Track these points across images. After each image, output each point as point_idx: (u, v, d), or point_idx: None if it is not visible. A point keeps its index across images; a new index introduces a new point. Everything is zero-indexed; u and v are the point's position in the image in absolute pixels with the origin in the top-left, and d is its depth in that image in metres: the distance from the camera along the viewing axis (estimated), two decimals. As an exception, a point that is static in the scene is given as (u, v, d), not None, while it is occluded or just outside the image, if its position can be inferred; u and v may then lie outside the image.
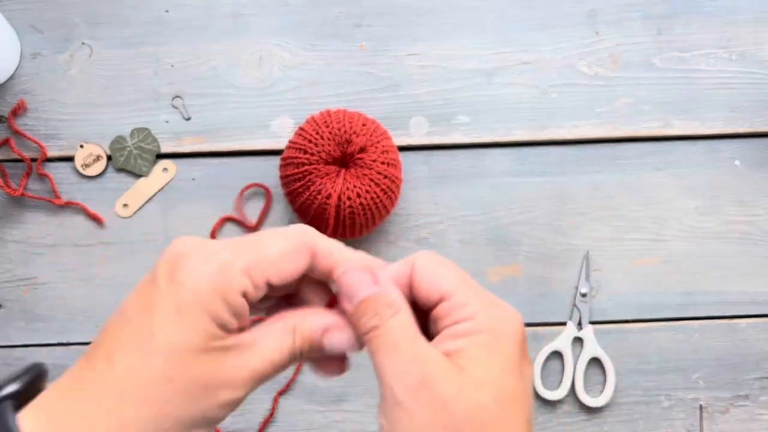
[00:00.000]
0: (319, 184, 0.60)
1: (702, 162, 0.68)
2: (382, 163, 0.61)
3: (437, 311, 0.32)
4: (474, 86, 0.68)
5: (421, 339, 0.31)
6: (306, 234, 0.33)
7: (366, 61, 0.69)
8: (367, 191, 0.60)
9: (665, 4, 0.70)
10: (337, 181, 0.60)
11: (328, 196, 0.60)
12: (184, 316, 0.29)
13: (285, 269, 0.32)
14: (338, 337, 0.33)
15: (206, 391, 0.30)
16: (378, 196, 0.61)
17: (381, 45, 0.69)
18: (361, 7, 0.69)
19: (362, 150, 0.61)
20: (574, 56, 0.69)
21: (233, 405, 0.31)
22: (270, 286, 0.32)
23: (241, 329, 0.31)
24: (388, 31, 0.69)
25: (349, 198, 0.60)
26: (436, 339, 0.32)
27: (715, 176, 0.68)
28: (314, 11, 0.69)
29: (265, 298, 0.33)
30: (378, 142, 0.61)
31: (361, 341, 0.33)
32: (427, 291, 0.32)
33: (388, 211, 0.64)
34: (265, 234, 0.32)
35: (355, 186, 0.60)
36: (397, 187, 0.63)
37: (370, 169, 0.61)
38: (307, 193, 0.60)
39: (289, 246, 0.32)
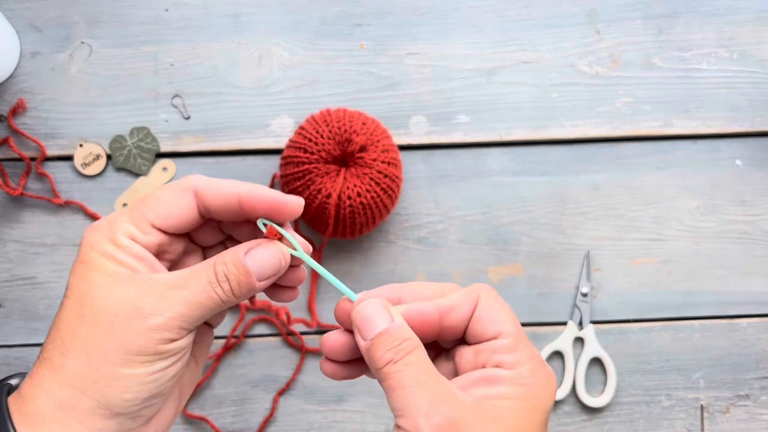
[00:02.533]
0: (319, 183, 0.60)
1: (702, 161, 0.68)
2: (383, 162, 0.61)
3: (484, 346, 0.33)
4: (474, 86, 0.68)
5: (443, 377, 0.31)
6: (186, 180, 0.35)
7: (366, 61, 0.69)
8: (367, 190, 0.60)
9: (665, 3, 0.70)
10: (337, 180, 0.60)
11: (328, 196, 0.60)
12: (87, 264, 0.32)
13: (166, 212, 0.33)
14: (260, 253, 0.34)
15: (116, 320, 0.31)
16: (378, 196, 0.61)
17: (381, 44, 0.69)
18: (361, 6, 0.69)
19: (362, 149, 0.61)
20: (574, 55, 0.69)
21: (170, 339, 0.32)
22: (164, 231, 0.34)
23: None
24: (388, 31, 0.69)
25: (349, 197, 0.60)
26: (472, 375, 0.32)
27: (715, 176, 0.68)
28: (314, 10, 0.69)
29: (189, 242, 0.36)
30: (378, 141, 0.61)
31: (295, 279, 0.36)
32: (485, 326, 0.33)
33: (388, 211, 0.64)
34: (155, 190, 0.35)
35: (355, 185, 0.60)
36: (398, 186, 0.63)
37: (371, 168, 0.60)
38: (307, 192, 0.60)
39: (169, 191, 0.34)
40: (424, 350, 0.32)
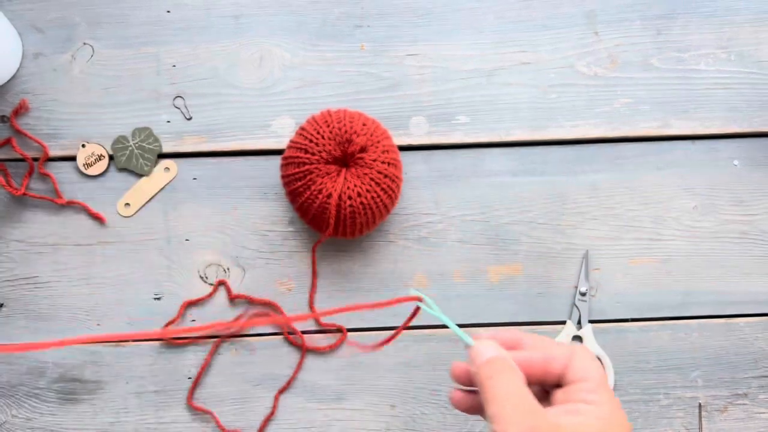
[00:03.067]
0: (320, 184, 0.60)
1: (701, 162, 0.69)
2: (383, 162, 0.61)
3: (573, 387, 0.39)
4: (474, 86, 0.69)
5: (533, 399, 0.37)
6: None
7: (366, 62, 0.69)
8: (367, 190, 0.61)
9: (664, 4, 0.70)
10: (338, 180, 0.60)
11: (329, 196, 0.60)
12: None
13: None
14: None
15: None
16: (378, 196, 0.61)
17: (381, 45, 0.69)
18: (362, 7, 0.69)
19: (363, 150, 0.61)
20: (573, 56, 0.69)
21: None
22: None
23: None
24: (388, 32, 0.69)
25: (349, 197, 0.60)
26: (560, 408, 0.38)
27: (713, 176, 0.69)
28: (315, 12, 0.69)
29: None
30: (378, 141, 0.62)
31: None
32: (576, 372, 0.39)
33: (388, 210, 0.64)
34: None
35: (355, 185, 0.60)
36: (398, 186, 0.63)
37: (371, 168, 0.61)
38: (308, 193, 0.61)
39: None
40: (522, 376, 0.38)
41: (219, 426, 0.65)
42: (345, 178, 0.61)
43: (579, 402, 0.38)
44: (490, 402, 0.37)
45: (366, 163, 0.61)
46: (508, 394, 0.37)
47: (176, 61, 0.69)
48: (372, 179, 0.61)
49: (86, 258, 0.67)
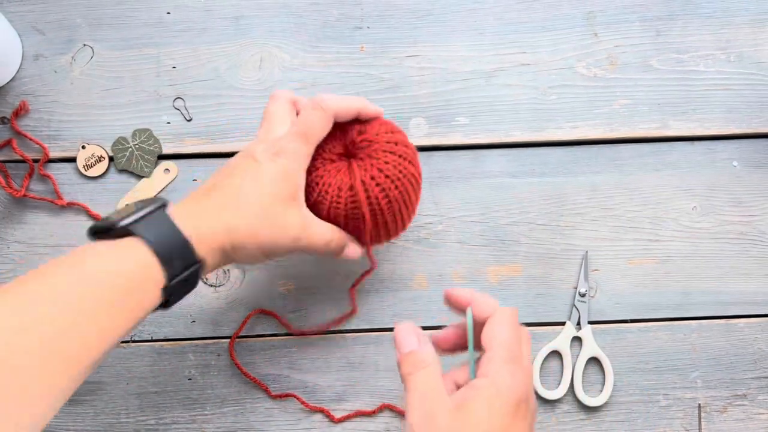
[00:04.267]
0: (335, 184, 0.54)
1: (700, 163, 0.69)
2: (389, 142, 0.55)
3: (481, 360, 0.44)
4: (473, 88, 0.69)
5: (440, 388, 0.43)
6: (326, 107, 0.54)
7: (366, 63, 0.69)
8: (386, 162, 0.54)
9: (663, 6, 0.70)
10: (351, 171, 0.54)
11: (351, 188, 0.54)
12: (278, 180, 0.50)
13: (322, 134, 0.54)
14: (353, 250, 0.57)
15: (282, 228, 0.50)
16: (402, 165, 0.55)
17: (381, 47, 0.69)
18: (361, 9, 0.70)
19: (361, 132, 0.55)
20: (572, 58, 0.69)
21: (291, 249, 0.52)
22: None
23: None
24: (387, 33, 0.69)
25: (372, 177, 0.54)
26: (464, 386, 0.44)
27: (712, 177, 0.69)
28: (315, 13, 0.70)
29: None
30: (377, 122, 0.56)
31: (365, 254, 0.58)
32: (484, 340, 0.45)
33: (418, 182, 0.58)
34: (313, 113, 0.53)
35: (372, 165, 0.54)
36: (413, 159, 0.57)
37: (377, 143, 0.55)
38: (327, 201, 0.54)
39: (322, 119, 0.54)
40: (436, 367, 0.44)
41: (303, 404, 0.65)
42: (356, 167, 0.54)
43: (480, 376, 0.43)
44: (406, 392, 0.44)
45: (370, 142, 0.55)
46: (420, 387, 0.43)
47: (176, 63, 0.69)
48: (385, 151, 0.54)
49: (86, 259, 0.67)
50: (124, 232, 0.45)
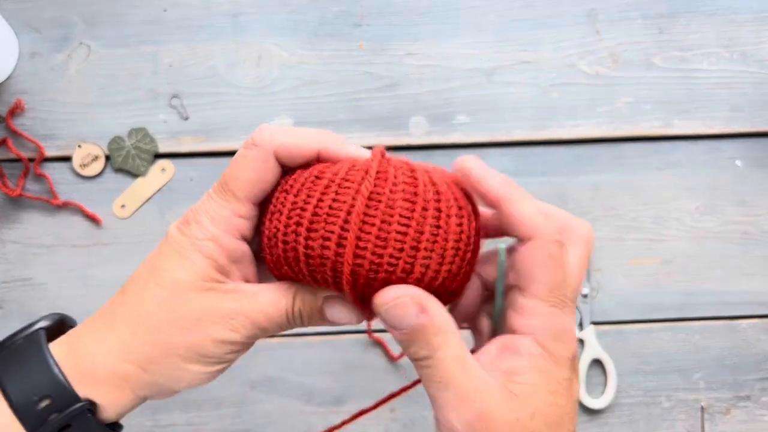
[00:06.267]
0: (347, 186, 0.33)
1: (703, 162, 0.68)
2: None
3: (510, 298, 0.33)
4: (474, 86, 0.68)
5: (474, 366, 0.32)
6: (267, 143, 0.35)
7: (365, 61, 0.68)
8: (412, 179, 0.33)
9: (666, 3, 0.69)
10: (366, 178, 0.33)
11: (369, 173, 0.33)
12: (184, 258, 0.34)
13: (256, 189, 0.35)
14: (338, 312, 0.35)
15: (199, 325, 0.34)
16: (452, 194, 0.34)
17: (380, 44, 0.69)
18: (361, 6, 0.69)
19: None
20: (574, 55, 0.69)
21: (228, 346, 0.34)
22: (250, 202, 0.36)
23: (245, 280, 0.35)
24: (387, 31, 0.69)
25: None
26: (492, 346, 0.33)
27: (715, 176, 0.68)
28: (313, 10, 0.69)
29: None
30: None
31: (360, 316, 0.35)
32: (520, 271, 0.33)
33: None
34: (240, 161, 0.35)
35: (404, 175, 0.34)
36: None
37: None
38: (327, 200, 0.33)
39: (252, 163, 0.35)
40: (458, 337, 0.32)
41: (390, 355, 0.65)
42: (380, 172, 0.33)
43: (519, 330, 0.32)
44: (427, 384, 0.32)
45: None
46: (446, 375, 0.31)
47: (173, 61, 0.68)
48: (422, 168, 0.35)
49: (82, 259, 0.66)
50: None
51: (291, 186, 0.34)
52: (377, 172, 0.32)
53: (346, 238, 0.31)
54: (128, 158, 0.67)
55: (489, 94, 0.68)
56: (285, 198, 0.34)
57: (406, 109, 0.68)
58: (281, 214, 0.34)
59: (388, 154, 0.35)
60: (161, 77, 0.68)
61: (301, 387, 0.66)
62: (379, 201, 0.32)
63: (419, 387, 0.66)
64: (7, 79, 0.67)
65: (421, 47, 0.69)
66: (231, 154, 0.67)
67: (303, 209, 0.33)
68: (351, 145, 0.35)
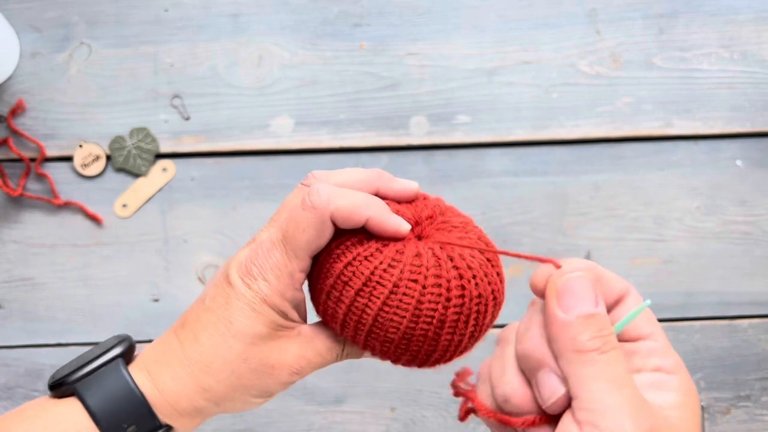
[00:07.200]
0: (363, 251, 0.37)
1: (703, 162, 0.68)
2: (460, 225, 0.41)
3: (635, 346, 0.33)
4: (474, 86, 0.68)
5: (632, 378, 0.31)
6: (323, 208, 0.37)
7: (366, 61, 0.68)
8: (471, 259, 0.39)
9: (666, 3, 0.69)
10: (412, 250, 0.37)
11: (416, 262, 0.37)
12: (257, 313, 0.38)
13: (314, 246, 0.38)
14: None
15: (272, 371, 0.39)
16: (484, 266, 0.40)
17: (381, 44, 0.69)
18: (361, 6, 0.69)
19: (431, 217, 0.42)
20: (575, 55, 0.69)
21: (290, 383, 0.40)
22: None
23: (300, 316, 0.40)
24: (388, 31, 0.69)
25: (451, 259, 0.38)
26: (639, 379, 0.32)
27: (716, 176, 0.68)
28: (314, 10, 0.69)
29: None
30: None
31: None
32: (638, 325, 0.33)
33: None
34: (298, 222, 0.37)
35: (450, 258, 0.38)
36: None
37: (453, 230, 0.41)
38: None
39: (312, 227, 0.37)
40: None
41: None
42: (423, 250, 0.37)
43: (654, 369, 0.32)
44: (593, 381, 0.30)
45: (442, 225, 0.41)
46: (621, 381, 0.30)
47: (174, 61, 0.68)
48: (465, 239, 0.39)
49: (83, 259, 0.67)
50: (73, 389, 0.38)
51: (353, 273, 0.38)
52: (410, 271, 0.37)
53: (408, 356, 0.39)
54: (129, 158, 0.67)
55: (489, 94, 0.68)
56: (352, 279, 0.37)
57: (407, 109, 0.68)
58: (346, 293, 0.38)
59: (422, 193, 0.43)
60: (162, 77, 0.68)
61: (301, 386, 0.66)
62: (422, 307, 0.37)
63: (419, 387, 0.66)
64: (8, 78, 0.68)
65: (421, 47, 0.69)
66: (232, 154, 0.67)
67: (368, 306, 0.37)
68: (392, 216, 0.38)
